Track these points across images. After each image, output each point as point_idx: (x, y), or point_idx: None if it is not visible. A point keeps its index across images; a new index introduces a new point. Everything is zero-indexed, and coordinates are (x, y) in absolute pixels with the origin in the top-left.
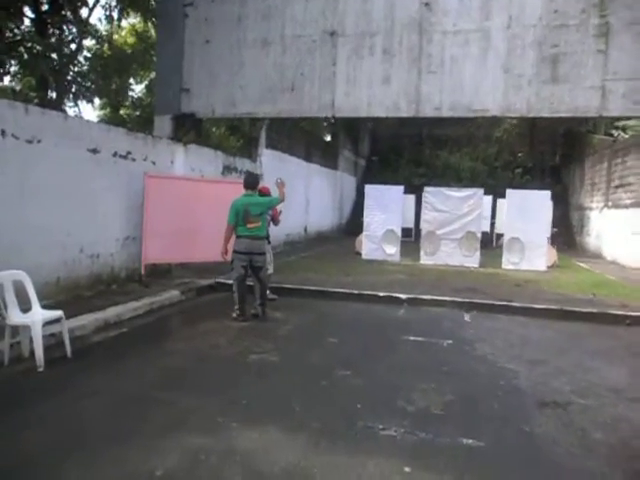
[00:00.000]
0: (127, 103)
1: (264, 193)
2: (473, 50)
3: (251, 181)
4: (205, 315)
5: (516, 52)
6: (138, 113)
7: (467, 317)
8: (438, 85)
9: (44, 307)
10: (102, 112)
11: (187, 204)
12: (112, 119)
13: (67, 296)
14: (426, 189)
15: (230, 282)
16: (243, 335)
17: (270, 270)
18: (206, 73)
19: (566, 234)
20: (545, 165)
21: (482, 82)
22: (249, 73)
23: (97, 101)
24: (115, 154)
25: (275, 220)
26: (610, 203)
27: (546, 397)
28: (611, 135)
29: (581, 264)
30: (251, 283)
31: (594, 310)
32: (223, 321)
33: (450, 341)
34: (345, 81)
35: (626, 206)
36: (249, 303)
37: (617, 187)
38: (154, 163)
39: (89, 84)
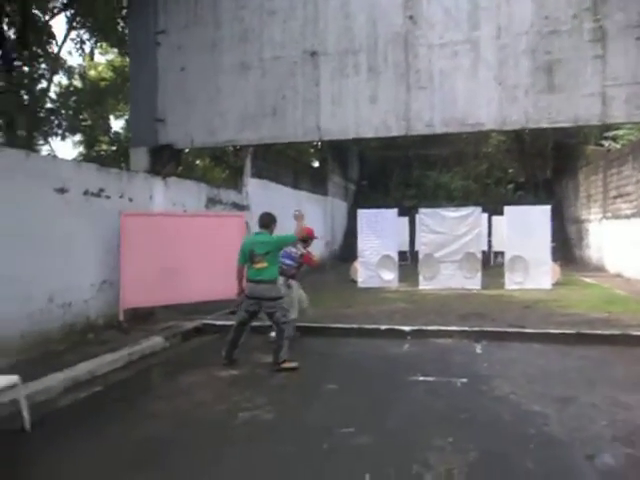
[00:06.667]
0: (104, 138)
1: (310, 236)
2: (463, 62)
3: (263, 220)
4: (190, 364)
5: (509, 62)
6: (115, 148)
7: (478, 348)
8: (429, 101)
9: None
10: (79, 150)
11: (169, 242)
12: (87, 156)
13: (34, 352)
14: (421, 210)
15: (219, 323)
16: (232, 387)
17: (293, 315)
18: (182, 102)
19: (564, 248)
20: (537, 179)
21: (475, 95)
22: (228, 99)
23: (75, 138)
24: (86, 192)
25: (307, 262)
26: (609, 214)
27: (587, 449)
28: (602, 146)
29: (586, 279)
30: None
31: (614, 332)
32: (210, 370)
33: (464, 379)
34: (330, 102)
35: (627, 216)
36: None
37: (615, 197)
38: (131, 200)
39: (61, 121)
